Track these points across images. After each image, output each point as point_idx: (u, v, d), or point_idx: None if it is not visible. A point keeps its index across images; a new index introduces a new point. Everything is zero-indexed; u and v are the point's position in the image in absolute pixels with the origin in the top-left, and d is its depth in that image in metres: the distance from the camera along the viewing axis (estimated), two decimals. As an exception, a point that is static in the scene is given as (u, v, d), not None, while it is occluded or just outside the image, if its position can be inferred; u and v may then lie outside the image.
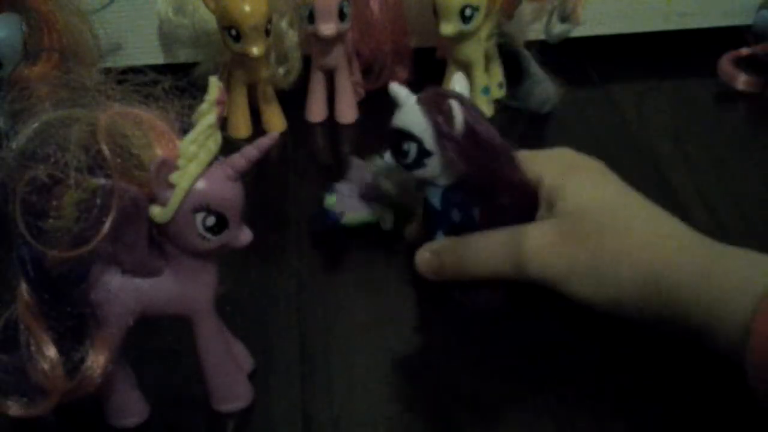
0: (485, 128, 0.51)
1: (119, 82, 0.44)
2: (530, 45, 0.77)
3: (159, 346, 0.52)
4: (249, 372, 0.52)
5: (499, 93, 0.78)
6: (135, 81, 0.44)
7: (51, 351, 0.44)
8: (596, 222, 0.52)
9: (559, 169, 0.55)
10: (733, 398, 0.47)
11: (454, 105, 0.51)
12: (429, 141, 0.52)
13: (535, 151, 0.57)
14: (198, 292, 0.47)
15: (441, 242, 0.56)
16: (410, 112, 0.52)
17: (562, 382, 0.52)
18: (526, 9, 0.74)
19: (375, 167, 0.61)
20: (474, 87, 0.74)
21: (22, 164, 0.41)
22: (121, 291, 0.45)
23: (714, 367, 0.48)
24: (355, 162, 0.64)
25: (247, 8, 0.66)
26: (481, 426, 0.50)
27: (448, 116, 0.51)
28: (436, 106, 0.51)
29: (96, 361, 0.45)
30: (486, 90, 0.74)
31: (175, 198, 0.43)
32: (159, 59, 0.79)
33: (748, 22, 0.81)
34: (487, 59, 0.75)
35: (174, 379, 0.53)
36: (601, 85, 0.81)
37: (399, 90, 0.53)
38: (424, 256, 0.56)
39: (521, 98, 0.76)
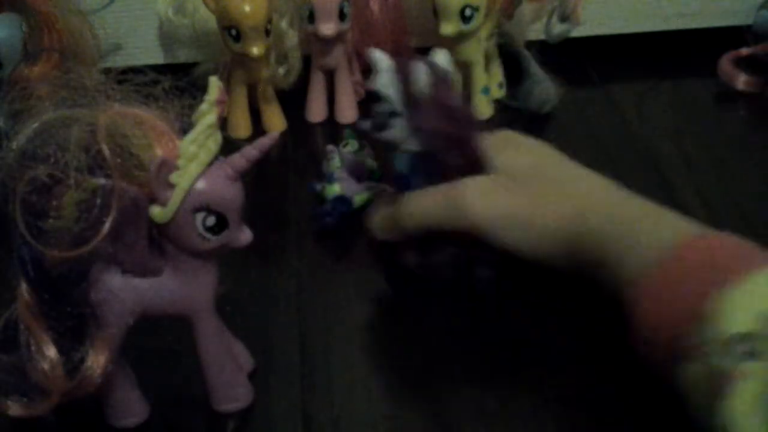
0: (449, 95, 0.53)
1: (119, 82, 0.44)
2: (530, 45, 0.77)
3: (159, 346, 0.52)
4: (249, 372, 0.52)
5: (499, 93, 0.77)
6: (135, 81, 0.44)
7: (51, 351, 0.44)
8: (529, 176, 0.55)
9: (497, 143, 0.56)
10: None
11: (420, 68, 0.53)
12: (396, 102, 0.53)
13: None
14: (198, 292, 0.47)
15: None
16: (383, 74, 0.54)
17: (561, 382, 0.52)
18: (526, 9, 0.74)
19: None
20: (474, 87, 0.74)
21: (22, 164, 0.42)
22: (121, 291, 0.45)
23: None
24: (331, 148, 0.66)
25: (247, 8, 0.66)
26: (481, 426, 0.50)
27: (413, 78, 0.52)
28: (405, 69, 0.53)
29: (96, 361, 0.45)
30: (486, 90, 0.74)
31: (175, 198, 0.43)
32: (159, 59, 0.79)
33: (748, 22, 0.81)
34: (487, 59, 0.75)
35: (174, 379, 0.53)
36: (601, 85, 0.81)
37: (378, 56, 0.55)
38: (374, 215, 0.58)
39: (521, 98, 0.76)
